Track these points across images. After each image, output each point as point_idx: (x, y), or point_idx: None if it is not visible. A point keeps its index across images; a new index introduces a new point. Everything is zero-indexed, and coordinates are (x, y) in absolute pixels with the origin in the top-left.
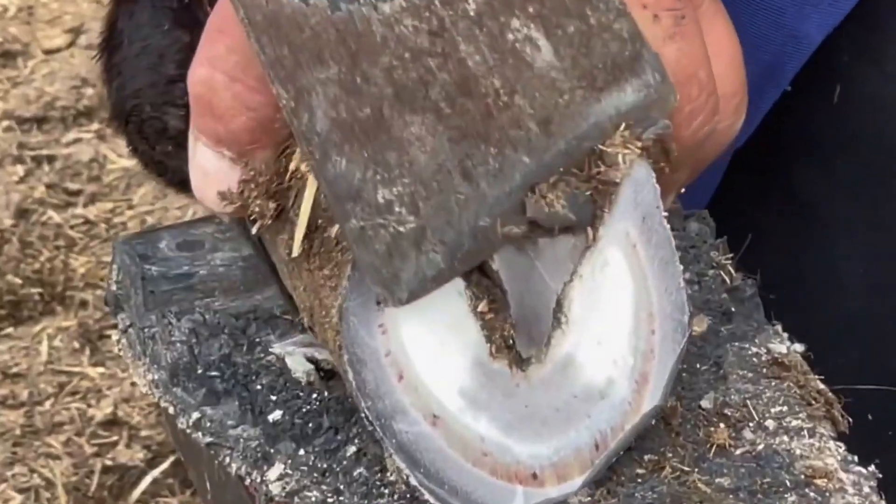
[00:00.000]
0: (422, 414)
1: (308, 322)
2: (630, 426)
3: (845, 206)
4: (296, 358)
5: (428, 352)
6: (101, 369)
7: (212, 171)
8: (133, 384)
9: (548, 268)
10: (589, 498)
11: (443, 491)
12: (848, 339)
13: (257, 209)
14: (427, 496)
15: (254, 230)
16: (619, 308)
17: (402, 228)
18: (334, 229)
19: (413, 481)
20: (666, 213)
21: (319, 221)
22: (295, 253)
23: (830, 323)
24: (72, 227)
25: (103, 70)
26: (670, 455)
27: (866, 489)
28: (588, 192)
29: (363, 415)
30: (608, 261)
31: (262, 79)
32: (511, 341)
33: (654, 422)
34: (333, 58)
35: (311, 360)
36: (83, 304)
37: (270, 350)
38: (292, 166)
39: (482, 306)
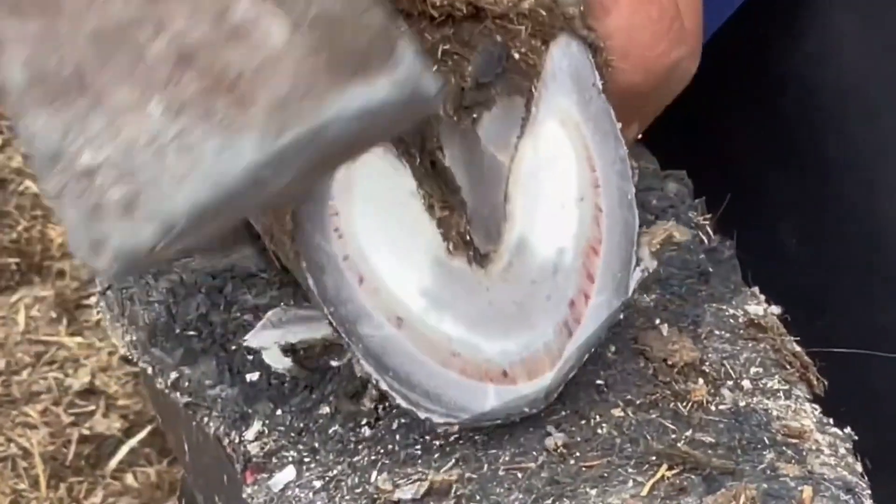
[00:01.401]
0: (385, 317)
1: (269, 245)
2: (594, 313)
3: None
4: (272, 353)
5: (386, 253)
6: (78, 339)
7: None
8: (111, 354)
9: (494, 144)
10: (568, 439)
11: (414, 394)
12: (824, 302)
13: None
14: (399, 401)
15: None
16: (564, 180)
17: (108, 194)
18: None
19: (383, 386)
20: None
21: None
22: None
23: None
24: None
25: None
26: (649, 404)
27: (842, 450)
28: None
29: (328, 321)
30: (549, 135)
31: None
32: (468, 237)
33: (633, 366)
34: (33, 12)
35: (286, 349)
36: (60, 273)
37: (245, 343)
38: None
39: (437, 206)
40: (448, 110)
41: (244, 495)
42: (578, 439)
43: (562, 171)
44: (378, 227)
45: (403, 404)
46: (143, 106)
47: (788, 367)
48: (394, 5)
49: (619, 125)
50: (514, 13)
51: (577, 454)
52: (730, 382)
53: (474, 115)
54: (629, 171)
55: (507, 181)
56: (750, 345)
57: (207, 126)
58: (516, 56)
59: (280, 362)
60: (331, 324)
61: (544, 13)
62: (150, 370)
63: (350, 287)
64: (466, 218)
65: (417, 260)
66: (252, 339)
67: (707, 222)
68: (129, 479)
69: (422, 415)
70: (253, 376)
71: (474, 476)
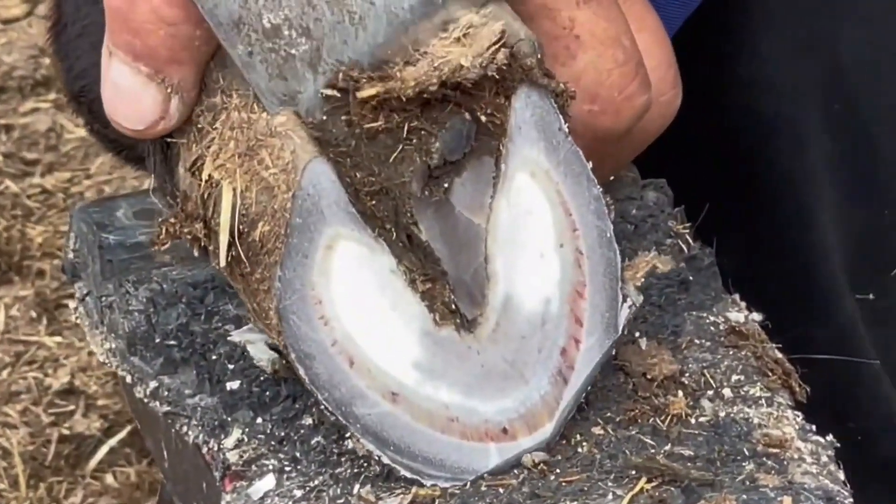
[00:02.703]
0: (380, 394)
1: (254, 322)
2: (586, 356)
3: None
4: (258, 346)
5: (374, 333)
6: (57, 338)
7: (126, 86)
8: (90, 353)
9: (469, 208)
10: (547, 456)
11: (417, 464)
12: (805, 308)
13: (189, 235)
14: (403, 472)
15: (196, 254)
16: (541, 230)
17: (293, 51)
18: (257, 232)
19: (385, 460)
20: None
21: (241, 227)
22: (222, 263)
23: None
24: (29, 197)
25: (54, 53)
26: (628, 420)
27: (824, 458)
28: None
29: (322, 406)
30: (521, 188)
31: None
32: (453, 306)
33: (613, 382)
34: None
35: (272, 347)
36: (40, 273)
37: (229, 338)
38: (205, 176)
39: (418, 280)
40: (416, 190)
41: (223, 503)
42: (559, 457)
43: (538, 222)
44: (363, 309)
45: (407, 474)
46: None
47: (770, 374)
48: (363, 90)
49: (590, 164)
50: (482, 79)
51: (558, 471)
52: (710, 392)
53: (445, 185)
54: (605, 209)
55: (485, 242)
56: (731, 352)
57: None
58: (483, 118)
59: (265, 354)
60: (326, 409)
61: (504, 69)
62: (129, 378)
63: (342, 371)
64: (450, 287)
65: (405, 335)
66: (237, 335)
67: (686, 231)
68: (109, 479)
69: (427, 482)
70: (233, 384)
71: (457, 492)
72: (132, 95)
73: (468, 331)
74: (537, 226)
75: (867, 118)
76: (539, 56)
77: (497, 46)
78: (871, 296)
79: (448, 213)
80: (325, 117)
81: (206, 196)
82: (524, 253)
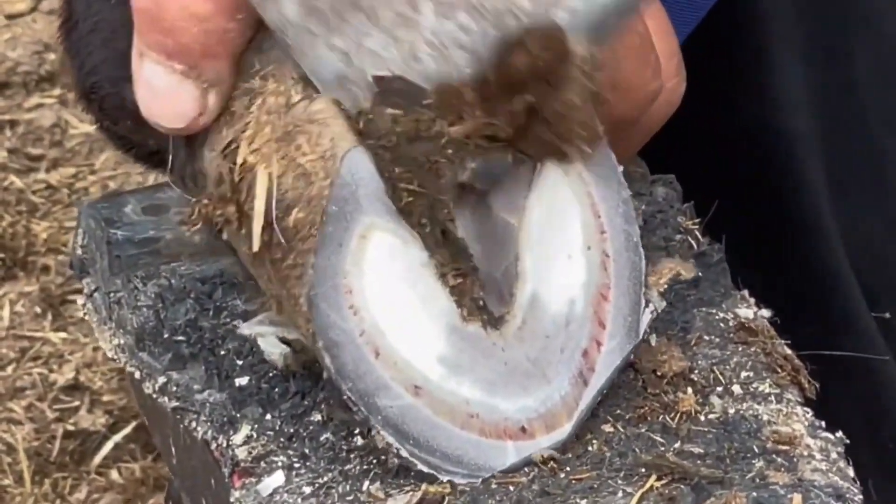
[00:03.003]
0: (403, 387)
1: (276, 310)
2: (607, 359)
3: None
4: (268, 340)
5: (401, 325)
6: (63, 334)
7: (161, 86)
8: (95, 349)
9: (506, 209)
10: (556, 453)
11: (435, 458)
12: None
13: (220, 218)
14: (420, 466)
15: (224, 237)
16: (570, 230)
17: None
18: (291, 218)
19: (404, 453)
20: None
21: (276, 212)
22: (255, 248)
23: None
24: (34, 193)
25: (64, 50)
26: (638, 418)
27: (834, 455)
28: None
29: (345, 396)
30: (553, 186)
31: None
32: (481, 303)
33: (623, 379)
34: None
35: (284, 340)
36: (45, 269)
37: (239, 332)
38: (239, 160)
39: (449, 274)
40: (448, 197)
41: (232, 499)
42: (569, 455)
43: (568, 222)
44: (392, 301)
45: (425, 469)
46: (415, 12)
47: (779, 370)
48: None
49: (622, 168)
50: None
51: (568, 468)
52: (719, 389)
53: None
54: (633, 213)
55: (516, 241)
56: (740, 349)
57: (479, 18)
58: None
59: (276, 348)
60: (349, 399)
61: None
62: (137, 374)
63: (367, 361)
64: (479, 283)
65: (432, 329)
66: (246, 328)
67: (696, 227)
68: (114, 474)
69: (444, 477)
70: (242, 381)
71: (466, 489)
72: (168, 94)
73: (494, 328)
74: (567, 226)
75: (876, 130)
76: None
77: None
78: (887, 314)
79: (485, 213)
80: (369, 106)
81: (239, 180)
82: (553, 253)
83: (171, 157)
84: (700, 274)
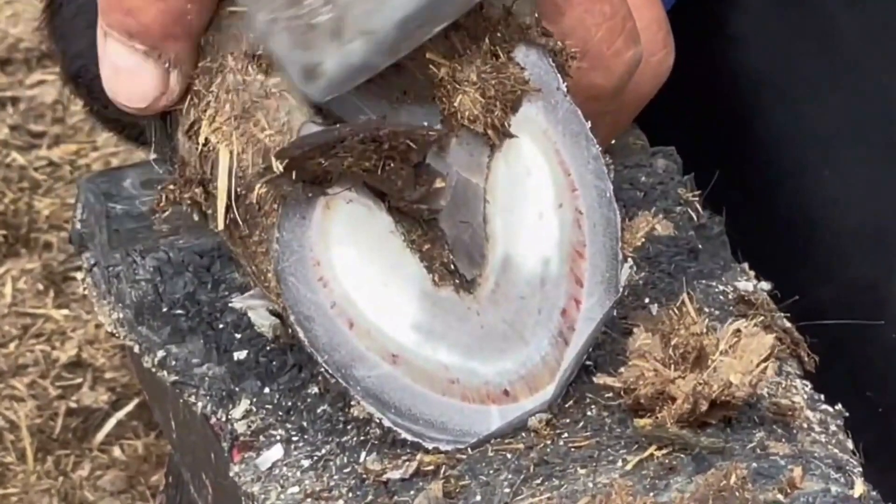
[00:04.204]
0: (379, 356)
1: (255, 285)
2: (587, 317)
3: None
4: (259, 312)
5: (373, 295)
6: (65, 311)
7: (123, 66)
8: (97, 326)
9: (466, 168)
10: (550, 416)
11: (418, 426)
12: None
13: (189, 201)
14: (404, 434)
15: (196, 219)
16: (540, 190)
17: (317, 19)
18: (254, 194)
19: (387, 423)
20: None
21: (239, 189)
22: (220, 226)
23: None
24: (36, 169)
25: (49, 35)
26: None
27: (833, 428)
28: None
29: (322, 369)
30: (519, 147)
31: None
32: (452, 266)
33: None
34: None
35: (274, 312)
36: (47, 245)
37: (230, 305)
38: (201, 140)
39: (418, 239)
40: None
41: (231, 473)
42: (568, 420)
43: (537, 182)
44: (361, 270)
45: (409, 437)
46: None
47: (779, 343)
48: None
49: (589, 124)
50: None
51: (566, 435)
52: None
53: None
54: (604, 168)
55: (483, 203)
56: (740, 321)
57: None
58: None
59: (265, 320)
60: (326, 372)
61: (501, 27)
62: (136, 348)
63: (341, 333)
64: (448, 247)
65: (405, 296)
66: (238, 301)
67: (696, 199)
68: (117, 451)
69: (428, 445)
70: (240, 354)
71: (463, 457)
72: (131, 74)
73: (467, 292)
74: (536, 186)
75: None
76: (536, 15)
77: None
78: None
79: (443, 164)
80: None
81: (203, 159)
82: (523, 213)
83: (151, 139)
84: (700, 246)
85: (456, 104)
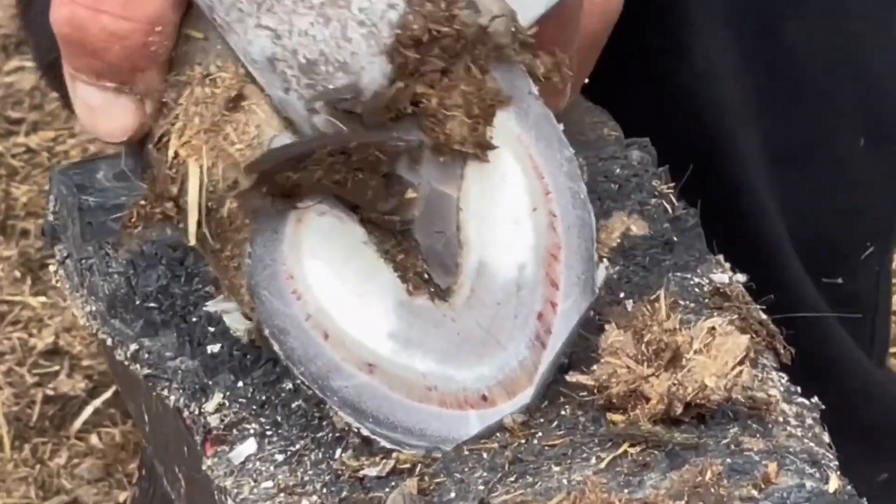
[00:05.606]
0: (356, 366)
1: (230, 298)
2: (563, 319)
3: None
4: (233, 316)
5: (347, 306)
6: (42, 298)
7: (97, 104)
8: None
9: (439, 180)
10: (527, 416)
11: (396, 434)
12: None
13: (161, 216)
14: (383, 443)
15: (169, 233)
16: (514, 195)
17: (330, 86)
18: (225, 209)
19: (365, 432)
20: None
21: (210, 204)
22: (192, 241)
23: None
24: (13, 156)
25: (23, 27)
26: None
27: (809, 421)
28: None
29: (299, 381)
30: (493, 155)
31: (126, 3)
32: (426, 276)
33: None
34: None
35: (248, 316)
36: (24, 233)
37: (205, 308)
38: (171, 153)
39: (390, 249)
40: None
41: (204, 467)
42: (542, 420)
43: (510, 188)
44: (335, 282)
45: (388, 445)
46: None
47: (755, 335)
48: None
49: (561, 126)
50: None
51: (540, 434)
52: None
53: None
54: (577, 170)
55: (456, 211)
56: (715, 314)
57: None
58: None
59: (241, 324)
60: (303, 384)
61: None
62: (109, 341)
63: (317, 345)
64: (422, 257)
65: (379, 305)
66: (212, 305)
67: (671, 191)
68: (94, 439)
69: (407, 452)
70: (214, 348)
71: (438, 456)
72: (106, 111)
73: (442, 299)
74: (511, 192)
75: (811, 101)
76: (513, 28)
77: None
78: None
79: (416, 176)
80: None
81: (173, 174)
82: (497, 219)
83: (122, 154)
84: (675, 238)
85: (448, 130)
